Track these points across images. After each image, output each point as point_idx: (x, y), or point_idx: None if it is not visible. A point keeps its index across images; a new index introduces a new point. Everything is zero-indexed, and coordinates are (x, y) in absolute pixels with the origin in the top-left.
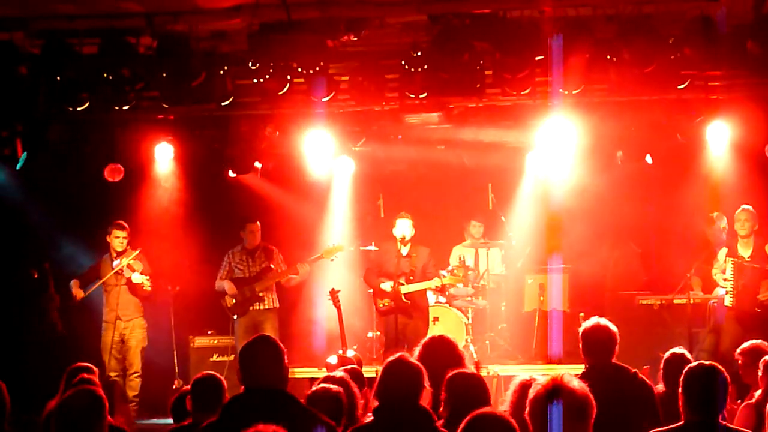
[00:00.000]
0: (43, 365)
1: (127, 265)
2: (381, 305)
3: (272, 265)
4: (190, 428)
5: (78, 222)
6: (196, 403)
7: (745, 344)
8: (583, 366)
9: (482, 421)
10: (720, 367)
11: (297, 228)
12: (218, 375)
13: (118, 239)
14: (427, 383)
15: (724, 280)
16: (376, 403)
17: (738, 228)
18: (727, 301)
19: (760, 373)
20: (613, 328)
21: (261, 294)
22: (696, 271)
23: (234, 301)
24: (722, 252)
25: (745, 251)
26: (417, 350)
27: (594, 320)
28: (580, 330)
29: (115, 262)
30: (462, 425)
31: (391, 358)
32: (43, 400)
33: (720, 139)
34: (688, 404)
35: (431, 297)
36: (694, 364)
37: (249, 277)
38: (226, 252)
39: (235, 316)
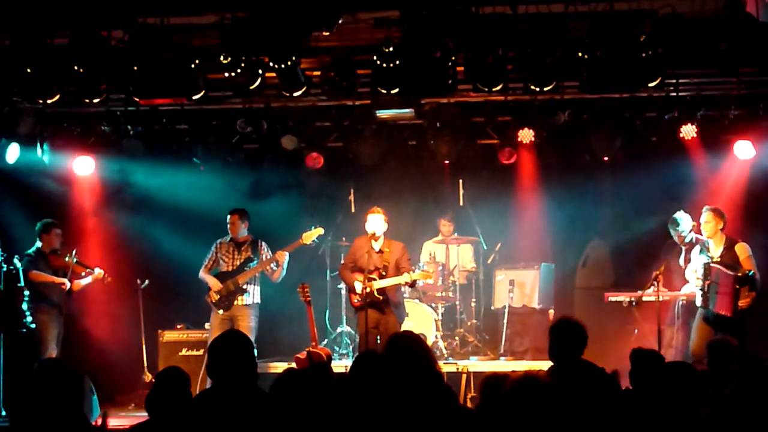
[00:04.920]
0: (14, 358)
1: (76, 261)
2: (355, 300)
3: (253, 257)
4: (160, 423)
5: (46, 216)
6: (161, 397)
7: (714, 340)
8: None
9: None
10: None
11: (268, 223)
12: (181, 368)
13: (59, 237)
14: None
15: (697, 278)
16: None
17: (702, 229)
18: (698, 300)
19: (731, 369)
20: (583, 325)
21: (245, 286)
22: (665, 269)
23: (218, 296)
24: (696, 249)
25: (714, 251)
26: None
27: (564, 317)
28: (550, 327)
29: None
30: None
31: (360, 354)
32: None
33: (691, 137)
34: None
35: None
36: (669, 362)
37: (232, 270)
38: (193, 245)
39: (221, 311)
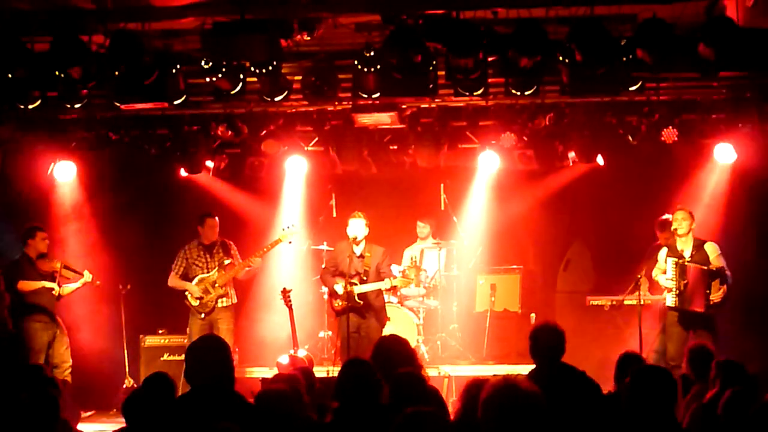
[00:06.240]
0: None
1: (64, 266)
2: (336, 305)
3: (229, 258)
4: (141, 428)
5: (27, 221)
6: (146, 402)
7: (693, 345)
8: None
9: (415, 418)
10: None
11: (249, 228)
12: (168, 374)
13: (45, 241)
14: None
15: (667, 279)
16: (336, 404)
17: (676, 227)
18: (670, 301)
19: (712, 374)
20: (561, 329)
21: (223, 289)
22: (646, 272)
23: (199, 301)
24: (662, 252)
25: (685, 251)
26: (371, 351)
27: (543, 321)
28: (529, 332)
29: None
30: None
31: (349, 359)
32: None
33: (672, 141)
34: (637, 405)
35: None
36: (642, 366)
37: (208, 273)
38: (176, 249)
39: (203, 315)
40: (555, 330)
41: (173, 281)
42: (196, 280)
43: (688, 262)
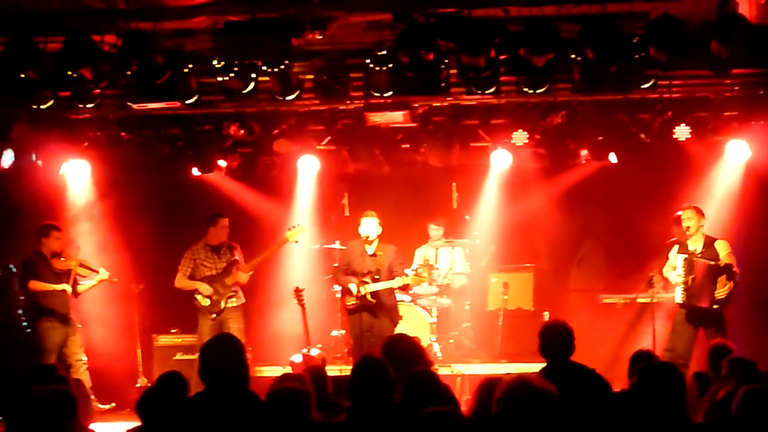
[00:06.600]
0: (8, 363)
1: (81, 264)
2: (349, 303)
3: (237, 257)
4: (154, 427)
5: (40, 220)
6: (160, 401)
7: (714, 343)
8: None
9: (435, 419)
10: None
11: (261, 227)
12: (181, 373)
13: (59, 240)
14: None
15: (676, 276)
16: (349, 403)
17: (687, 226)
18: (678, 297)
19: (723, 372)
20: (571, 327)
21: (232, 290)
22: (659, 270)
23: (209, 301)
24: (674, 249)
25: (696, 248)
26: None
27: (552, 320)
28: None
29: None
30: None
31: (361, 357)
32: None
33: (685, 138)
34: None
35: (397, 295)
36: (653, 363)
37: (217, 274)
38: (188, 249)
39: (214, 315)
40: (564, 328)
41: (181, 282)
42: (210, 287)
43: (696, 257)
